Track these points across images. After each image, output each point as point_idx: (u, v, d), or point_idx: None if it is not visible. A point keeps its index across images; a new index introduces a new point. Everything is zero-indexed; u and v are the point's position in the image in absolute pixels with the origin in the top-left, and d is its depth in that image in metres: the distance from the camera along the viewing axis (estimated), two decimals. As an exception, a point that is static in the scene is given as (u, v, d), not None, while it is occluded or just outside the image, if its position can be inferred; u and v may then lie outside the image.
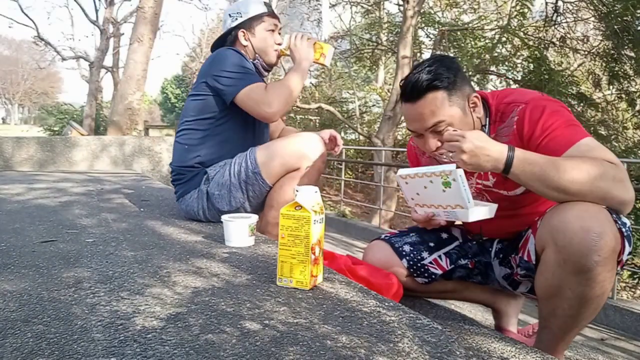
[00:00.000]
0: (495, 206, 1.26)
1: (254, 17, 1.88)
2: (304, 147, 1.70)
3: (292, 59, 1.85)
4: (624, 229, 1.06)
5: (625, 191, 1.06)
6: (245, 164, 1.73)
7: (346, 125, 12.25)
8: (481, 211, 1.24)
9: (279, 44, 1.90)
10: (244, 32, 1.88)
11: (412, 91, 1.24)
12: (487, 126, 1.30)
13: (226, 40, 1.92)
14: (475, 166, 1.13)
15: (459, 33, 9.85)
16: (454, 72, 1.24)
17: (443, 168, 1.19)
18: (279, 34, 1.93)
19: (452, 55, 10.14)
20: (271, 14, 1.91)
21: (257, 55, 1.89)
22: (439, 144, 1.24)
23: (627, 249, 1.06)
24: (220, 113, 1.78)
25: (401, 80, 1.28)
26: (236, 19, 1.89)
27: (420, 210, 1.33)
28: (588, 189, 1.05)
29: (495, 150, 1.11)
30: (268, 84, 1.75)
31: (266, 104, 1.69)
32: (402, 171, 1.29)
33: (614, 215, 1.06)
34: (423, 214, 1.33)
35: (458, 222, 1.57)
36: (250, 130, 1.86)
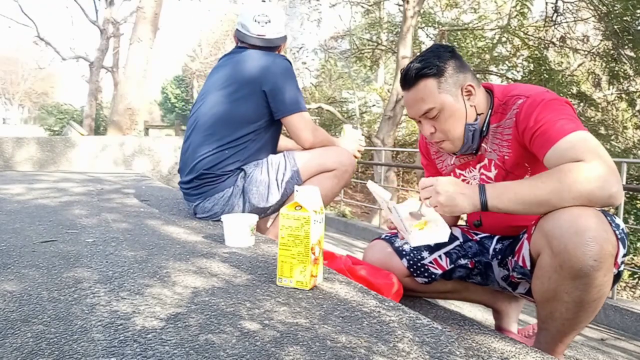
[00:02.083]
0: (447, 232, 1.24)
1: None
2: (340, 154, 1.89)
3: (341, 139, 2.05)
4: (617, 232, 1.05)
5: (608, 185, 1.03)
6: (284, 163, 1.84)
7: (346, 125, 12.23)
8: (429, 236, 1.24)
9: None
10: (284, 44, 2.01)
11: (404, 79, 1.33)
12: (487, 116, 1.32)
13: (271, 43, 1.94)
14: (452, 207, 1.15)
15: (459, 33, 9.86)
16: (445, 60, 1.29)
17: (384, 196, 1.25)
18: None
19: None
20: None
21: None
22: (433, 129, 1.33)
23: (622, 251, 1.06)
24: (267, 122, 1.85)
25: (402, 69, 1.36)
26: (285, 27, 1.99)
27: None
28: (567, 195, 1.04)
29: (468, 188, 1.15)
30: (324, 130, 1.96)
31: (313, 136, 1.85)
32: (370, 183, 1.36)
33: (608, 218, 1.05)
34: (389, 223, 1.37)
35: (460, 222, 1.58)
36: (278, 136, 1.98)
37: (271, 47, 1.92)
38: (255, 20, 1.89)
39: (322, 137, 1.89)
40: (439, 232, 1.25)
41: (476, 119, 1.32)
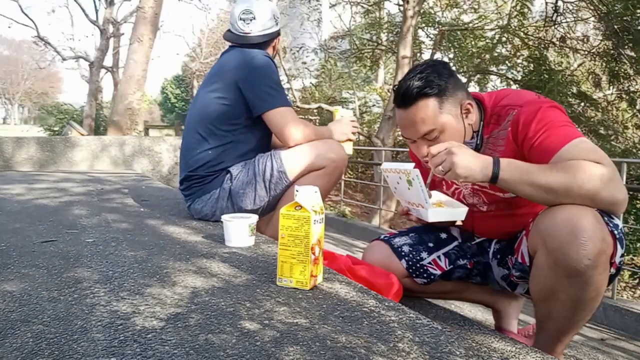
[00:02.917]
0: (465, 210, 1.25)
1: (279, 30, 1.99)
2: (329, 150, 1.78)
3: (333, 123, 1.96)
4: (615, 231, 1.05)
5: (616, 192, 1.05)
6: (270, 163, 1.78)
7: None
8: (445, 213, 1.23)
9: None
10: (278, 39, 1.97)
11: (403, 98, 1.25)
12: (479, 131, 1.30)
13: (255, 38, 1.91)
14: (466, 178, 1.13)
15: (459, 33, 9.85)
16: (446, 78, 1.24)
17: (405, 167, 1.21)
18: None
19: (452, 55, 10.18)
20: None
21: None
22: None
23: (620, 250, 1.06)
24: (247, 120, 1.80)
25: (394, 85, 1.29)
26: (277, 24, 1.95)
27: (402, 203, 1.35)
28: (576, 191, 1.04)
29: (482, 161, 1.12)
30: (310, 124, 1.85)
31: (296, 133, 1.75)
32: (385, 164, 1.31)
33: (605, 218, 1.05)
34: (402, 208, 1.34)
35: (458, 222, 1.57)
36: (268, 136, 1.91)
37: (260, 43, 1.89)
38: (241, 19, 1.88)
39: (308, 132, 1.78)
40: (457, 210, 1.24)
41: (472, 137, 1.29)
